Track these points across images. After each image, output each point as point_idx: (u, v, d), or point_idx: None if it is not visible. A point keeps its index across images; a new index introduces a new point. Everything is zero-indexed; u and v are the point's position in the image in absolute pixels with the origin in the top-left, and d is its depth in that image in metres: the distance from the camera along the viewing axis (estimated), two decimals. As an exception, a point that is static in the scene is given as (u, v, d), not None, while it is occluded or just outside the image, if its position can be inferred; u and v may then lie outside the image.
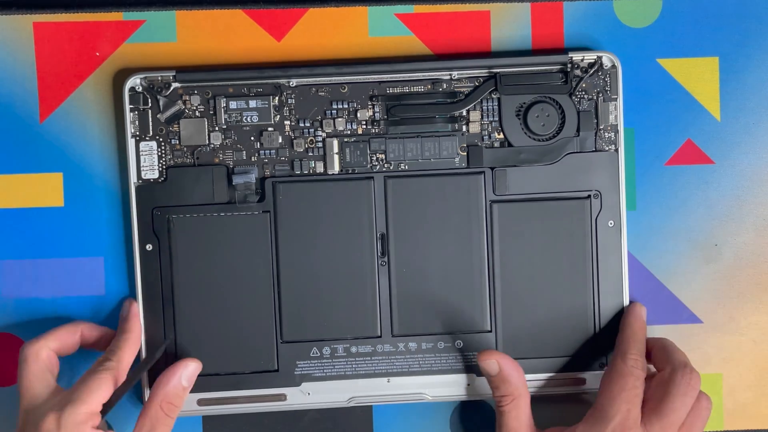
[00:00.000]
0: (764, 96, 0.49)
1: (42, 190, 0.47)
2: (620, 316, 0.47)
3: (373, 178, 0.46)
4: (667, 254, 0.49)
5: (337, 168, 0.46)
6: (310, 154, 0.46)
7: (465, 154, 0.46)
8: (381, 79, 0.46)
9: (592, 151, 0.46)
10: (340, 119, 0.46)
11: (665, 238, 0.49)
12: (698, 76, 0.48)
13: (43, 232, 0.47)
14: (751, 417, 0.50)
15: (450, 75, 0.46)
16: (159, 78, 0.45)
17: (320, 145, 0.46)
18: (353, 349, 0.46)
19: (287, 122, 0.46)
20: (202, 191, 0.46)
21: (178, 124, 0.46)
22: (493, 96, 0.46)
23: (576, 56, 0.45)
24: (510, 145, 0.46)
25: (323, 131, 0.46)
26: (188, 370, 0.44)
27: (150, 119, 0.46)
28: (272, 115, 0.46)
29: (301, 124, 0.46)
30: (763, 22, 0.48)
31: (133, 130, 0.46)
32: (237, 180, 0.45)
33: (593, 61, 0.46)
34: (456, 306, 0.46)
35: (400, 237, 0.46)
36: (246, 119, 0.46)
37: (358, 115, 0.46)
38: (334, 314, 0.46)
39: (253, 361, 0.46)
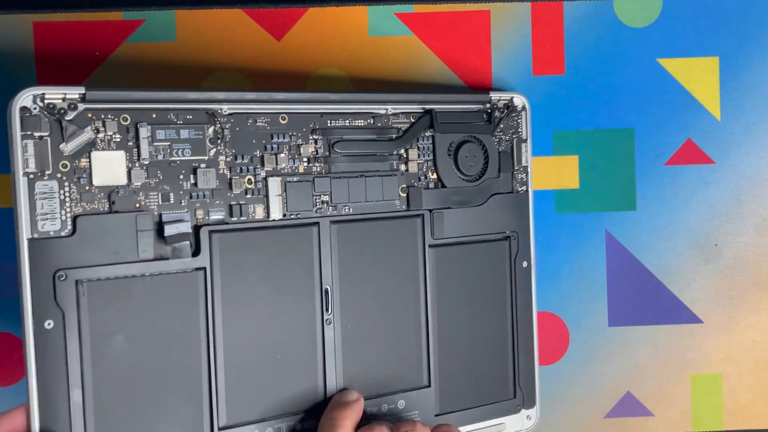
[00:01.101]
0: (764, 96, 0.49)
1: (42, 190, 0.47)
2: (531, 360, 0.46)
3: (318, 224, 0.40)
4: (667, 254, 0.49)
5: (279, 213, 0.40)
6: (249, 196, 0.39)
7: (405, 195, 0.43)
8: (319, 110, 0.41)
9: (509, 193, 0.45)
10: (282, 155, 0.40)
11: (665, 238, 0.49)
12: (698, 76, 0.48)
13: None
14: (750, 417, 0.50)
15: (385, 109, 0.42)
16: (63, 96, 0.35)
17: (260, 185, 0.39)
18: (298, 426, 0.40)
19: (222, 158, 0.38)
20: (122, 246, 0.36)
21: (89, 157, 0.35)
22: (428, 134, 0.43)
23: (495, 96, 0.45)
24: (443, 185, 0.44)
25: (263, 169, 0.39)
26: None
27: (50, 151, 0.35)
28: (207, 148, 0.38)
29: (239, 161, 0.39)
30: (763, 22, 0.48)
31: (26, 167, 0.34)
32: (170, 230, 0.36)
33: (507, 102, 0.45)
34: (397, 362, 0.43)
35: (345, 290, 0.41)
36: (177, 153, 0.37)
37: (301, 150, 0.40)
38: (278, 388, 0.39)
39: None
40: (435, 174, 0.44)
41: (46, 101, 0.35)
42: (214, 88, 0.39)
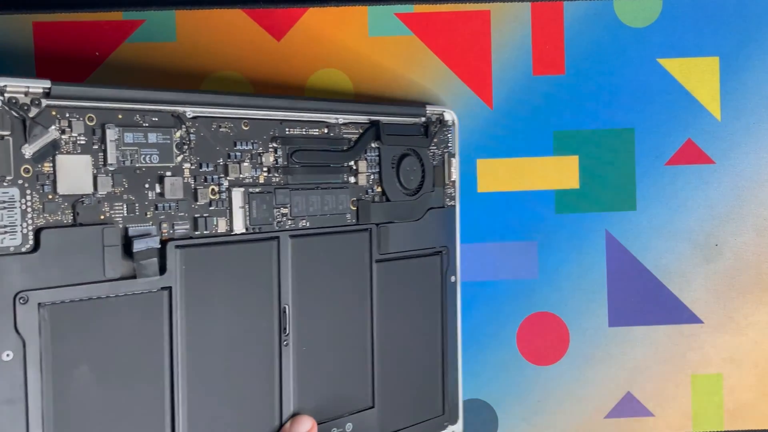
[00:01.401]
0: (764, 96, 0.49)
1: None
2: (456, 374, 0.46)
3: (278, 238, 0.38)
4: (667, 254, 0.49)
5: (242, 226, 0.37)
6: (212, 207, 0.36)
7: (355, 209, 0.41)
8: (277, 117, 0.38)
9: (441, 207, 0.46)
10: (245, 164, 0.37)
11: (665, 238, 0.49)
12: (698, 76, 0.48)
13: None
14: (751, 417, 0.50)
15: (336, 119, 0.41)
16: (26, 90, 0.30)
17: (224, 196, 0.36)
18: None
19: (187, 165, 0.35)
20: (87, 264, 0.31)
21: (53, 162, 0.31)
22: (374, 146, 0.42)
23: (430, 110, 0.45)
24: (388, 199, 0.43)
25: (226, 179, 0.36)
26: None
27: (11, 153, 0.30)
28: (174, 154, 0.34)
29: (203, 168, 0.36)
30: (763, 22, 0.48)
31: None
32: (139, 245, 0.33)
33: (439, 116, 0.45)
34: (347, 383, 0.41)
35: (300, 309, 0.39)
36: (144, 159, 0.34)
37: (263, 159, 0.38)
38: (238, 415, 0.37)
39: None
40: (380, 187, 0.43)
41: (7, 95, 0.30)
42: (178, 88, 0.36)
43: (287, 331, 0.38)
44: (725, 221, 0.49)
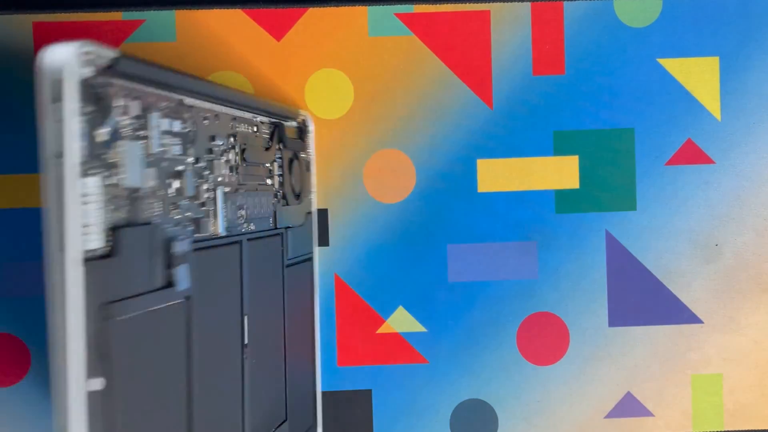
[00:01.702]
0: (764, 96, 0.49)
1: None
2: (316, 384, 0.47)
3: (242, 242, 0.35)
4: (667, 254, 0.49)
5: (223, 228, 0.33)
6: (204, 208, 0.32)
7: (273, 212, 0.40)
8: (229, 112, 0.35)
9: (309, 213, 0.46)
10: (222, 160, 0.34)
11: (665, 238, 0.49)
12: (698, 75, 0.48)
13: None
14: (751, 417, 0.50)
15: (253, 117, 0.37)
16: (94, 56, 0.24)
17: (212, 195, 0.33)
18: None
19: (191, 160, 0.31)
20: (147, 269, 0.26)
21: (118, 148, 0.25)
22: (277, 147, 0.41)
23: (301, 115, 0.45)
24: (287, 203, 0.42)
25: (212, 176, 0.33)
26: None
27: (94, 135, 0.24)
28: (187, 147, 0.30)
29: (199, 164, 0.32)
30: (763, 22, 0.48)
31: (75, 157, 0.22)
32: (181, 247, 0.28)
33: (303, 120, 0.46)
34: (270, 397, 0.39)
35: (253, 318, 0.36)
36: (172, 150, 0.29)
37: (229, 156, 0.35)
38: None
39: None
40: (282, 190, 0.42)
41: (95, 64, 0.24)
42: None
43: (246, 343, 0.35)
44: (725, 221, 0.49)
